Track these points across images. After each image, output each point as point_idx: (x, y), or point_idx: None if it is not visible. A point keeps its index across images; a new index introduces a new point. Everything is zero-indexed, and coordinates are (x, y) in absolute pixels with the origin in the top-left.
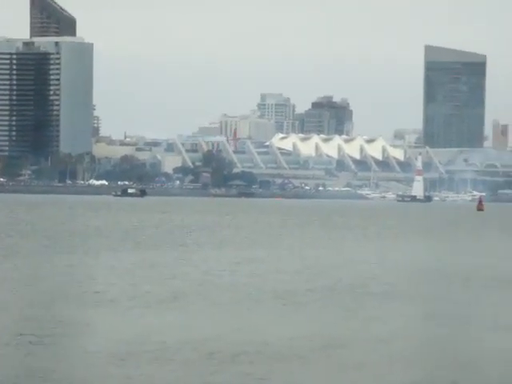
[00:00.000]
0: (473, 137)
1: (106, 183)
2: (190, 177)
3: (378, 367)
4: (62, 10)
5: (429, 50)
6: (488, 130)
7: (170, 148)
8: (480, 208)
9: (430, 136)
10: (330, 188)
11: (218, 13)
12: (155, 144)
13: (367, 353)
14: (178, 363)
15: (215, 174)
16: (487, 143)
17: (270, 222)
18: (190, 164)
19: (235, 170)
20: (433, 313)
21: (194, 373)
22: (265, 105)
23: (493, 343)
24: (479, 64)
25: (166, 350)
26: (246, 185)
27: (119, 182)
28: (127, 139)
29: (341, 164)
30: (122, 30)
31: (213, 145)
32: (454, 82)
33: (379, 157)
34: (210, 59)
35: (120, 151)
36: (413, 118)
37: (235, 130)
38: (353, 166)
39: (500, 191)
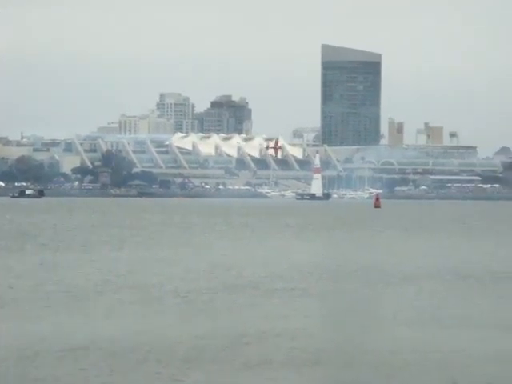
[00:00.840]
0: (369, 135)
1: (3, 184)
2: (89, 177)
3: (284, 364)
4: None
5: (325, 49)
6: (384, 127)
7: (69, 148)
8: (377, 205)
9: (328, 134)
10: (230, 187)
11: (113, 11)
12: (53, 144)
13: (273, 350)
14: (80, 364)
15: (114, 174)
16: (383, 141)
17: (172, 221)
18: (89, 164)
19: (135, 170)
20: (337, 309)
21: (96, 374)
22: (164, 104)
23: (394, 338)
24: (374, 63)
25: (70, 351)
26: (146, 185)
27: (16, 183)
28: (24, 140)
29: (240, 163)
30: (18, 27)
31: (112, 144)
32: (350, 80)
33: (278, 155)
34: (107, 58)
35: (16, 152)
36: (311, 116)
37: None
38: (252, 165)
39: (396, 188)
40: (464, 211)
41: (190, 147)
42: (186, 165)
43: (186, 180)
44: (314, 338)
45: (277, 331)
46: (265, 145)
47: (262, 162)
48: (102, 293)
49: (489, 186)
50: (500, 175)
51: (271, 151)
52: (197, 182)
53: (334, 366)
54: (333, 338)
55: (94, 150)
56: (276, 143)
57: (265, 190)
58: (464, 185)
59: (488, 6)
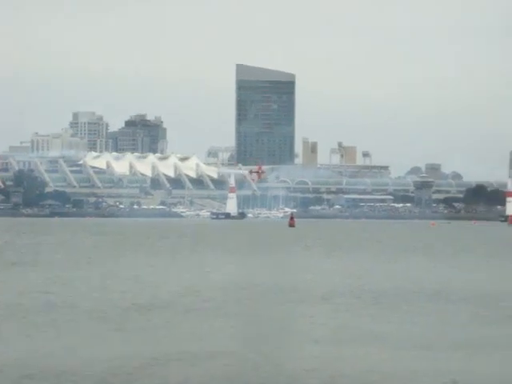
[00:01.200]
0: (284, 154)
1: None
2: (1, 197)
3: None
4: None
5: (240, 68)
6: (298, 147)
7: None
8: (291, 224)
9: (243, 153)
10: (144, 206)
11: (24, 28)
12: None
13: (188, 370)
14: None
15: (26, 193)
16: (298, 160)
17: (85, 241)
18: (1, 184)
19: (47, 189)
20: (253, 329)
21: None
22: (77, 123)
23: (309, 357)
24: (288, 83)
25: None
26: (59, 204)
27: None
28: None
29: (155, 182)
30: None
31: (24, 164)
32: (264, 100)
33: (193, 175)
34: (20, 76)
35: None
36: (226, 136)
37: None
38: (167, 184)
39: (310, 207)
40: (377, 230)
41: (103, 166)
42: (99, 184)
43: (100, 199)
44: (231, 357)
45: (193, 351)
46: (180, 164)
47: (176, 182)
48: (12, 315)
49: (401, 205)
50: (412, 194)
51: (254, 176)
52: (111, 201)
53: None
54: (250, 358)
55: (6, 170)
56: (259, 168)
57: (180, 209)
58: (377, 204)
59: (393, 30)
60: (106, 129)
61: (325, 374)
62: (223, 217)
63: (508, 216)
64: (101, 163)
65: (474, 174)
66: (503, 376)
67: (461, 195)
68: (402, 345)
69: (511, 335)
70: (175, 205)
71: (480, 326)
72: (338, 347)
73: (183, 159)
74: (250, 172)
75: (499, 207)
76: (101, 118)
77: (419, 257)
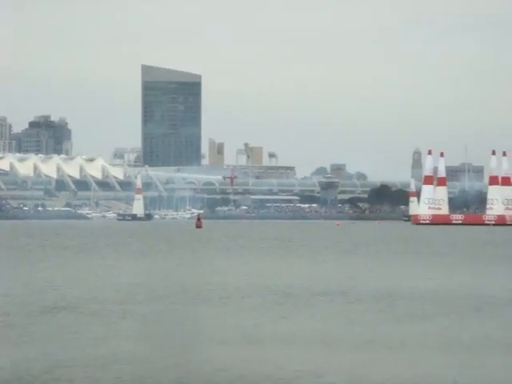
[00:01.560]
0: (190, 155)
1: None
2: None
3: None
4: None
5: (145, 69)
6: (204, 148)
7: None
8: (198, 225)
9: (149, 155)
10: (49, 208)
11: None
12: None
13: (96, 373)
14: None
15: None
16: (204, 161)
17: None
18: None
19: None
20: (160, 330)
21: None
22: None
23: (217, 358)
24: (194, 84)
25: None
26: None
27: None
28: None
29: (60, 184)
30: None
31: None
32: (170, 101)
33: (99, 176)
34: None
35: None
36: (132, 137)
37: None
38: (73, 186)
39: (217, 208)
40: (284, 230)
41: (7, 168)
42: (3, 186)
43: (4, 201)
44: (138, 360)
45: (100, 354)
46: (85, 165)
47: (82, 183)
48: None
49: (307, 205)
50: (317, 195)
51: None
52: (15, 203)
53: None
54: (157, 360)
55: None
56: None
57: (85, 210)
58: (283, 204)
59: (295, 28)
60: (10, 130)
61: (234, 374)
62: (130, 218)
63: (411, 216)
64: (4, 165)
65: (379, 174)
66: (403, 374)
67: (365, 195)
68: (309, 344)
69: (415, 333)
70: (81, 206)
71: (384, 324)
72: (246, 347)
73: (89, 160)
74: (224, 178)
75: (403, 207)
76: (4, 119)
77: (326, 256)
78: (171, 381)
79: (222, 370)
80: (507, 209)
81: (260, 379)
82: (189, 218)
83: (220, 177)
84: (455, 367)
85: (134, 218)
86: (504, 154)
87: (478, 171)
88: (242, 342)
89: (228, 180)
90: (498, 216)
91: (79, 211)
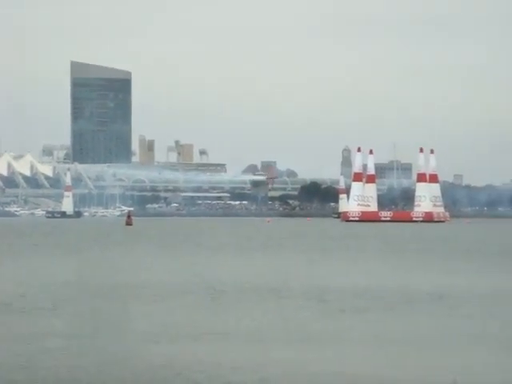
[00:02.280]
0: (121, 152)
1: None
2: None
3: None
4: None
5: (75, 66)
6: (135, 145)
7: None
8: (129, 222)
9: (79, 152)
10: None
11: None
12: None
13: (30, 372)
14: None
15: None
16: (135, 158)
17: None
18: None
19: None
20: (89, 328)
21: None
22: None
23: (153, 355)
24: (125, 80)
25: None
26: None
27: None
28: None
29: None
30: None
31: None
32: (100, 98)
33: (27, 173)
34: None
35: None
36: (61, 134)
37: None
38: (0, 183)
39: (148, 205)
40: (215, 227)
41: None
42: None
43: None
44: (73, 357)
45: (32, 352)
46: (13, 162)
47: (10, 180)
48: None
49: (238, 202)
50: (248, 192)
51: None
52: None
53: None
54: (92, 357)
55: None
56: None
57: (13, 208)
58: (214, 202)
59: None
60: None
61: (171, 371)
62: (59, 216)
63: (341, 213)
64: None
65: (309, 172)
66: (337, 368)
67: (296, 192)
68: (243, 340)
69: (346, 328)
70: (9, 204)
71: (314, 319)
72: (178, 343)
73: (17, 157)
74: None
75: (332, 204)
76: None
77: (258, 252)
78: (108, 377)
79: (161, 366)
80: (435, 206)
81: (197, 374)
82: (118, 216)
83: (151, 173)
84: (386, 360)
85: (64, 215)
86: (432, 151)
87: (407, 168)
88: (170, 339)
89: (270, 181)
90: (425, 213)
91: (7, 209)
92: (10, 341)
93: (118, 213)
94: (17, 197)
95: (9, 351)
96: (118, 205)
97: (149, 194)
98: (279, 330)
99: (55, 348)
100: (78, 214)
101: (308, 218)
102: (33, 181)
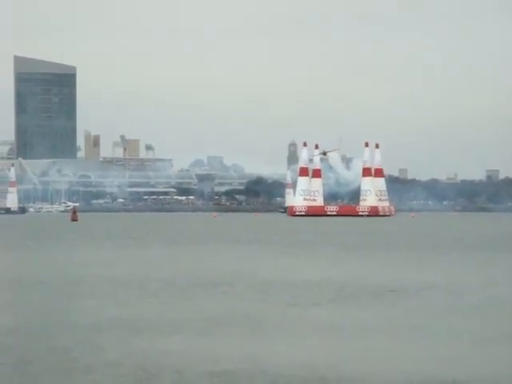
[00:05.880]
0: (66, 148)
1: None
2: None
3: None
4: None
5: (18, 60)
6: (80, 140)
7: None
8: (74, 218)
9: (23, 147)
10: None
11: None
12: None
13: None
14: None
15: None
16: (80, 154)
17: None
18: None
19: None
20: (25, 320)
21: None
22: None
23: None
24: (69, 75)
25: None
26: None
27: None
28: None
29: None
30: None
31: None
32: (45, 93)
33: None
34: None
35: None
36: (5, 129)
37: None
38: None
39: (93, 201)
40: (160, 222)
41: None
42: None
43: None
44: (11, 351)
45: None
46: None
47: None
48: None
49: (184, 197)
50: (195, 187)
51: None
52: None
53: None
54: (29, 347)
55: None
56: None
57: None
58: (160, 197)
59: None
60: None
61: (97, 359)
62: (3, 212)
63: (287, 207)
64: None
65: (255, 167)
66: (285, 359)
67: (242, 187)
68: (195, 332)
69: (295, 320)
70: None
71: (266, 311)
72: (122, 335)
73: None
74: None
75: (279, 199)
76: None
77: (209, 246)
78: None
79: (120, 364)
80: (380, 200)
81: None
82: (62, 211)
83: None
84: (332, 352)
85: (8, 211)
86: (377, 145)
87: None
88: (116, 330)
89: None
90: (371, 207)
91: None
92: None
93: (63, 208)
94: None
95: None
96: (63, 200)
97: (94, 189)
98: (227, 322)
99: None
100: (22, 210)
101: (255, 213)
102: None
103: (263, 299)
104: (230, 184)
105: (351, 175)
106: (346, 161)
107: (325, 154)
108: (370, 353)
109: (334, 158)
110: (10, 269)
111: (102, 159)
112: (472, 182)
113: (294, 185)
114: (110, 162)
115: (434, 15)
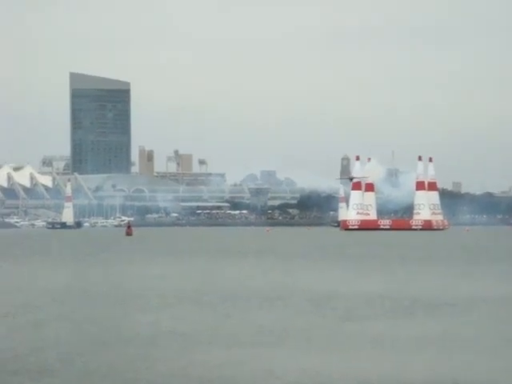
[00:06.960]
0: (120, 163)
1: None
2: None
3: None
4: None
5: (74, 77)
6: (134, 155)
7: None
8: (129, 233)
9: (78, 162)
10: None
11: None
12: None
13: None
14: None
15: None
16: (134, 168)
17: None
18: None
19: None
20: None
21: None
22: None
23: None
24: (124, 91)
25: None
26: None
27: None
28: None
29: None
30: None
31: None
32: (100, 109)
33: (27, 184)
34: None
35: None
36: (61, 144)
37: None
38: (0, 194)
39: (148, 215)
40: (214, 237)
41: None
42: None
43: None
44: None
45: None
46: (13, 173)
47: (10, 191)
48: None
49: (237, 212)
50: (248, 201)
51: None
52: None
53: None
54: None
55: None
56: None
57: (14, 219)
58: (214, 211)
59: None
60: None
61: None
62: (59, 226)
63: (340, 221)
64: None
65: (308, 181)
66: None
67: (295, 201)
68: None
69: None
70: (8, 215)
71: (316, 325)
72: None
73: (17, 169)
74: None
75: (332, 213)
76: None
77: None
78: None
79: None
80: (433, 213)
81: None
82: (115, 226)
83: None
84: (387, 366)
85: (64, 226)
86: (430, 159)
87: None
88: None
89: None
90: (424, 221)
91: (7, 220)
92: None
93: (117, 223)
94: (17, 208)
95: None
96: (118, 215)
97: (149, 204)
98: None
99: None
100: (78, 225)
101: (307, 227)
102: (33, 192)
103: (318, 313)
104: (283, 198)
105: (398, 193)
106: (396, 174)
107: (351, 179)
108: (425, 365)
109: (374, 178)
110: (69, 282)
111: (155, 174)
112: None
113: (346, 198)
114: (164, 176)
115: (486, 25)
